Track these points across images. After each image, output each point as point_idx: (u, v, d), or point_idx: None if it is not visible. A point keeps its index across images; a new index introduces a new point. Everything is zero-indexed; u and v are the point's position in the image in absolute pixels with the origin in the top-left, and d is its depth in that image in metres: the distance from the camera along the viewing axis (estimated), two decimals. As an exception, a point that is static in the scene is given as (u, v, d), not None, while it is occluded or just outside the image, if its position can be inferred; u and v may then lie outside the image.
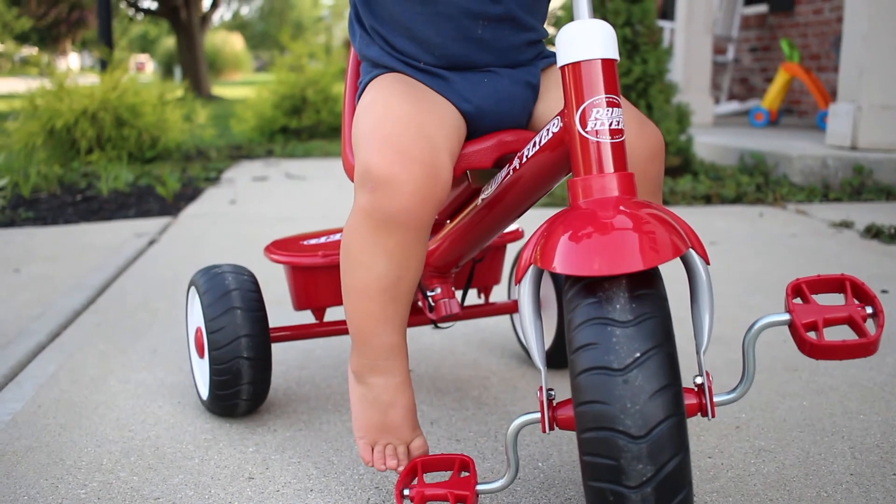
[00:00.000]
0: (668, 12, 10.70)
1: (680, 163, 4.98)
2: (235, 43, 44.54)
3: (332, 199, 4.76)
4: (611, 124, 1.25)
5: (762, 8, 9.85)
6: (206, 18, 19.79)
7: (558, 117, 1.32)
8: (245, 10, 63.86)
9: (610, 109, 1.25)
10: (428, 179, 1.36)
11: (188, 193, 5.04)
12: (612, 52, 1.27)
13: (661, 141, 1.52)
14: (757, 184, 4.87)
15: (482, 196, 1.56)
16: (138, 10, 21.03)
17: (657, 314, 1.14)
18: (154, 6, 20.26)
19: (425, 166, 1.36)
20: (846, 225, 3.91)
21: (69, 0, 37.17)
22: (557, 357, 2.01)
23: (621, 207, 1.21)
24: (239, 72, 43.64)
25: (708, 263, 1.21)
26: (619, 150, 1.25)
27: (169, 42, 36.80)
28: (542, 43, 1.65)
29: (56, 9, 38.35)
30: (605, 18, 4.78)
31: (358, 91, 1.63)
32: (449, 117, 1.51)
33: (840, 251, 3.43)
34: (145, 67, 76.33)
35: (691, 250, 1.20)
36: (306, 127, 7.90)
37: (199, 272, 1.85)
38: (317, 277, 1.89)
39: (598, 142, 1.24)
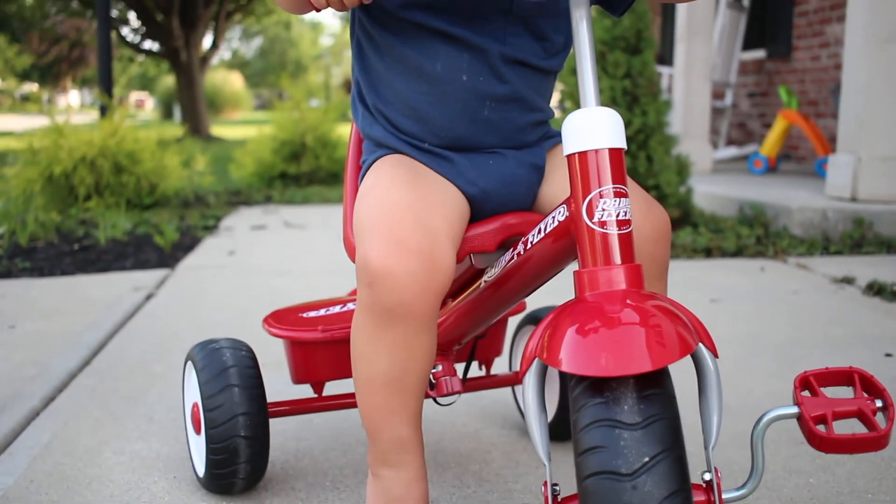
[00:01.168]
0: (665, 58, 10.76)
1: (680, 215, 4.97)
2: (235, 82, 44.74)
3: (330, 250, 4.73)
4: (618, 215, 1.23)
5: (760, 53, 9.90)
6: (205, 59, 19.87)
7: (564, 206, 1.30)
8: (244, 48, 64.31)
9: (617, 200, 1.23)
10: (426, 271, 1.34)
11: (186, 243, 5.02)
12: (620, 140, 1.25)
13: (668, 223, 1.50)
14: (757, 236, 4.85)
15: (485, 277, 1.53)
16: (139, 51, 21.11)
17: (666, 415, 1.11)
18: (155, 47, 20.34)
19: (423, 257, 1.34)
20: (848, 281, 3.89)
21: (70, 38, 37.41)
22: (560, 429, 1.98)
23: (628, 301, 1.19)
24: (238, 110, 43.82)
25: (717, 357, 1.19)
26: (626, 242, 1.23)
27: (169, 80, 36.98)
28: (548, 123, 1.64)
29: (57, 47, 38.57)
30: (605, 70, 4.79)
31: (361, 171, 1.61)
32: (452, 200, 1.49)
33: (842, 310, 3.40)
34: (145, 105, 76.70)
35: (700, 345, 1.18)
36: (305, 173, 7.89)
37: (196, 347, 1.83)
38: (316, 352, 1.86)
39: (604, 233, 1.22)
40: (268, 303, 3.50)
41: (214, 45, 20.81)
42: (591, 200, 1.23)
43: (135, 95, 74.52)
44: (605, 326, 1.17)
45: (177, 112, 36.96)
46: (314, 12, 1.38)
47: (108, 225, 5.35)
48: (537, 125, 1.60)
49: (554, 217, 1.33)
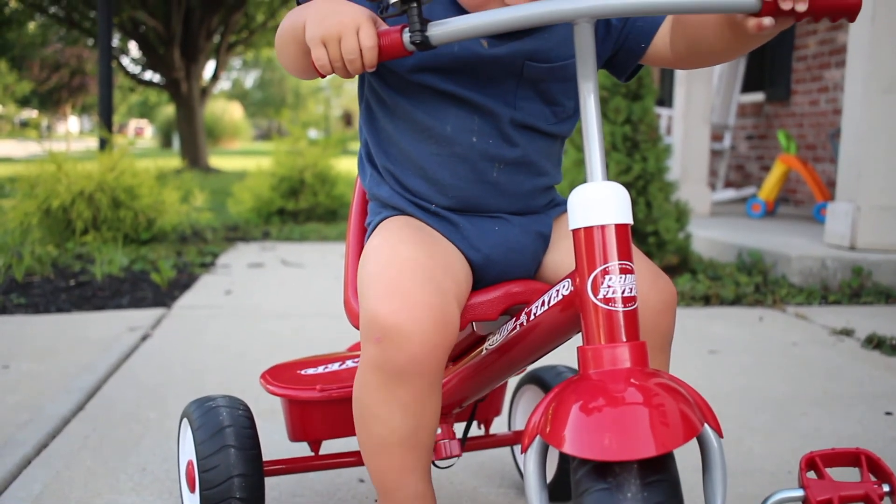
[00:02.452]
0: (665, 99, 10.80)
1: (678, 261, 4.96)
2: (235, 112, 44.88)
3: (327, 291, 4.72)
4: (623, 292, 1.22)
5: (759, 96, 9.94)
6: (206, 91, 19.92)
7: (569, 280, 1.29)
8: (243, 76, 64.55)
9: (623, 276, 1.22)
10: (437, 327, 1.33)
11: (183, 281, 5.00)
12: (626, 216, 1.24)
13: (674, 294, 1.49)
14: (756, 283, 4.84)
15: (487, 344, 1.52)
16: (140, 82, 21.17)
17: (670, 502, 1.09)
18: (156, 78, 20.40)
19: (434, 313, 1.33)
20: (847, 333, 3.87)
21: (71, 66, 37.56)
22: (560, 490, 1.96)
23: (633, 381, 1.18)
24: (237, 140, 43.92)
25: (721, 437, 1.18)
26: (631, 319, 1.22)
27: (169, 108, 37.11)
28: (555, 189, 1.64)
29: (58, 74, 38.74)
30: (606, 116, 4.80)
31: (366, 233, 1.60)
32: (457, 264, 1.48)
33: (842, 364, 3.39)
34: (144, 133, 76.90)
35: (706, 425, 1.16)
36: (303, 209, 7.89)
37: (193, 404, 1.81)
38: (314, 411, 1.84)
39: (609, 310, 1.21)
40: (264, 347, 3.49)
41: (215, 77, 20.87)
42: (596, 276, 1.22)
43: (134, 123, 74.76)
44: (609, 406, 1.15)
45: (176, 141, 37.08)
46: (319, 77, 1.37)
47: (104, 260, 5.33)
48: (545, 190, 1.61)
49: (558, 290, 1.32)
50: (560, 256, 1.56)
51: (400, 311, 1.32)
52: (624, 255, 1.22)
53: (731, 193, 9.24)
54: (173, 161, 20.53)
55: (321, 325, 3.89)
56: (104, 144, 6.97)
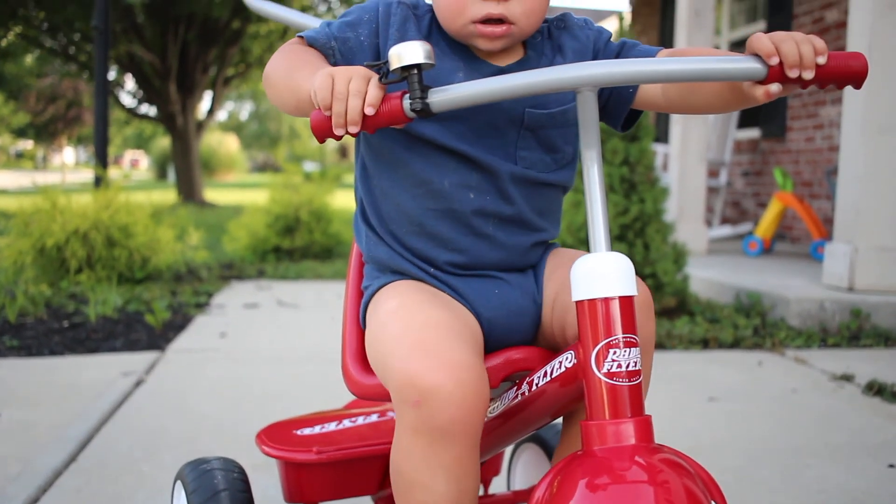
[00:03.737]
0: (660, 135, 10.82)
1: (677, 303, 4.94)
2: (230, 144, 44.98)
3: (323, 334, 4.69)
4: (628, 366, 1.19)
5: (755, 133, 9.96)
6: (201, 125, 19.95)
7: (572, 352, 1.27)
8: (238, 108, 64.78)
9: (627, 350, 1.20)
10: (476, 385, 1.29)
11: (177, 322, 4.96)
12: (630, 288, 1.22)
13: (650, 297, 1.47)
14: (754, 326, 4.82)
15: (489, 412, 1.49)
16: (135, 115, 21.20)
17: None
18: (152, 111, 20.43)
19: (471, 372, 1.29)
20: (847, 378, 3.84)
21: (67, 98, 37.66)
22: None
23: (638, 458, 1.15)
24: (233, 172, 44.00)
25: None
26: (636, 394, 1.19)
27: (164, 140, 37.16)
28: (550, 242, 1.62)
29: (54, 105, 38.83)
30: (603, 157, 4.78)
31: (363, 297, 1.57)
32: (473, 322, 1.47)
33: (842, 412, 3.35)
34: (139, 164, 77.03)
35: (712, 502, 1.14)
36: (299, 247, 7.86)
37: (187, 467, 1.77)
38: (311, 473, 1.80)
39: (614, 384, 1.19)
40: (259, 395, 3.46)
41: (211, 112, 20.91)
42: (600, 350, 1.20)
43: (130, 154, 74.91)
44: (614, 484, 1.14)
45: (171, 173, 37.14)
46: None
47: (98, 301, 5.29)
48: (541, 244, 1.59)
49: (561, 362, 1.29)
50: (555, 287, 1.54)
51: (438, 371, 1.27)
52: (628, 327, 1.20)
53: (727, 230, 9.24)
54: (169, 194, 20.55)
55: (317, 371, 3.86)
56: (99, 182, 6.95)
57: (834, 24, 8.49)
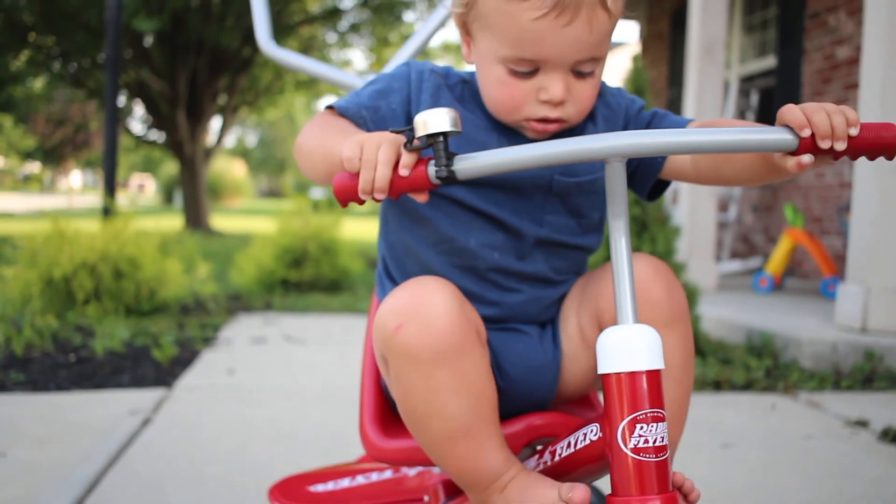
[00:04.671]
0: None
1: (688, 343, 4.89)
2: (237, 170, 45.11)
3: (331, 372, 4.65)
4: (654, 441, 1.16)
5: (764, 168, 9.92)
6: (209, 152, 19.99)
7: (597, 425, 1.24)
8: (245, 133, 65.04)
9: (654, 425, 1.17)
10: (456, 301, 1.33)
11: (185, 357, 4.93)
12: (658, 361, 1.19)
13: (664, 265, 1.49)
14: (766, 367, 4.77)
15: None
16: (144, 142, 21.27)
17: None
18: (160, 138, 20.49)
19: (449, 290, 1.35)
20: (861, 424, 3.80)
21: (75, 122, 37.84)
22: None
23: (665, 540, 1.12)
24: (240, 198, 44.10)
25: None
26: (662, 470, 1.16)
27: (171, 165, 37.29)
28: None
29: (62, 129, 39.01)
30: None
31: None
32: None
33: (858, 460, 3.31)
34: (146, 188, 77.30)
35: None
36: (306, 280, 7.84)
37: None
38: (323, 532, 1.77)
39: (640, 460, 1.16)
40: (268, 436, 3.42)
41: (219, 139, 20.97)
42: (626, 426, 1.17)
43: (137, 178, 75.22)
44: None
45: (178, 198, 37.27)
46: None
47: (105, 334, 5.26)
48: (561, 299, 1.58)
49: (585, 434, 1.27)
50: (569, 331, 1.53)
51: (414, 295, 1.32)
52: (655, 402, 1.17)
53: (737, 265, 9.21)
54: (175, 220, 20.58)
55: (325, 412, 3.82)
56: (108, 212, 6.94)
57: (845, 60, 8.49)
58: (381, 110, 1.48)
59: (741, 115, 9.64)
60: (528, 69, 1.40)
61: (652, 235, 4.72)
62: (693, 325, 4.92)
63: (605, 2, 1.36)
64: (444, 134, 1.19)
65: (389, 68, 1.91)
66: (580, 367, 1.50)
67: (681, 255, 6.13)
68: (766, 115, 9.79)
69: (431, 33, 2.05)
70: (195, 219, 18.60)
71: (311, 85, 20.79)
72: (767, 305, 6.51)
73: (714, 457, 3.31)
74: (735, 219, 9.65)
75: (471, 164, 1.21)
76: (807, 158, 1.21)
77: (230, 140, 61.18)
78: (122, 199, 6.86)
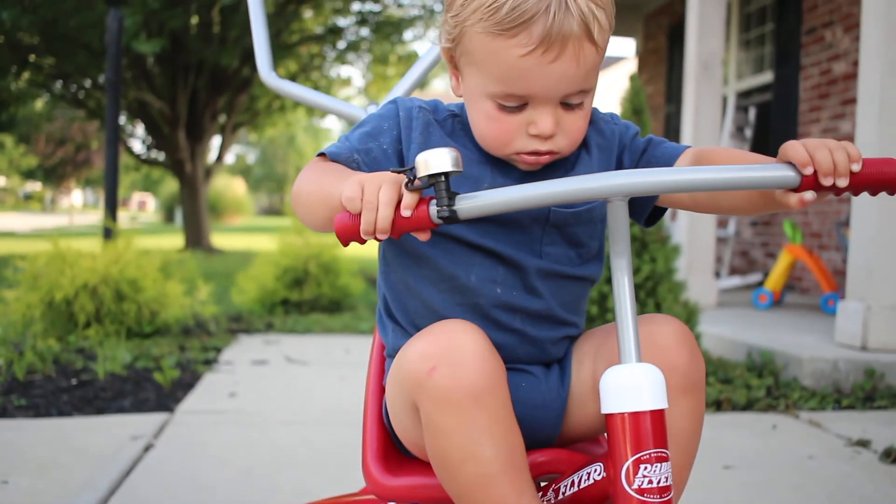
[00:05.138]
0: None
1: (689, 363, 4.89)
2: (237, 187, 45.15)
3: (332, 394, 4.66)
4: (659, 482, 1.17)
5: (762, 184, 9.94)
6: (210, 171, 20.01)
7: (601, 464, 1.24)
8: (245, 151, 65.15)
9: (658, 465, 1.17)
10: (486, 342, 1.35)
11: (186, 380, 4.93)
12: (661, 401, 1.20)
13: (686, 329, 1.49)
14: (767, 386, 4.77)
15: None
16: (144, 161, 21.29)
17: None
18: (160, 157, 20.51)
19: (478, 332, 1.36)
20: (863, 444, 3.80)
21: (76, 141, 37.91)
22: None
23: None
24: (240, 215, 44.12)
25: None
26: (666, 509, 1.17)
27: (172, 183, 37.32)
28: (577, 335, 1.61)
29: (63, 149, 39.09)
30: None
31: (385, 392, 1.56)
32: None
33: (861, 482, 3.31)
34: (147, 206, 77.30)
35: None
36: (307, 300, 7.84)
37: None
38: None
39: (644, 501, 1.16)
40: (271, 461, 3.42)
41: (219, 158, 20.99)
42: (630, 466, 1.17)
43: (137, 196, 75.32)
44: None
45: (178, 216, 37.32)
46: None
47: (107, 357, 5.26)
48: (567, 339, 1.58)
49: (589, 474, 1.27)
50: (585, 375, 1.54)
51: (445, 337, 1.34)
52: (659, 442, 1.18)
53: (736, 281, 9.21)
54: (176, 239, 20.58)
55: (328, 435, 3.82)
56: (109, 234, 6.95)
57: (842, 76, 8.52)
58: (373, 152, 1.48)
59: (739, 130, 9.66)
60: (517, 104, 1.41)
61: (651, 255, 4.73)
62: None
63: (592, 35, 1.36)
64: (446, 174, 1.19)
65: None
66: (588, 412, 1.50)
67: (680, 273, 6.12)
68: (764, 131, 9.82)
69: (425, 71, 2.06)
70: (196, 237, 18.61)
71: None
72: (767, 322, 6.52)
73: (716, 478, 3.31)
74: (734, 234, 9.66)
75: (473, 203, 1.21)
76: (809, 195, 1.22)
77: (230, 157, 61.22)
78: (123, 216, 6.85)
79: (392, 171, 1.24)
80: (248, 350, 6.01)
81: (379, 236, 1.22)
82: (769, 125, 9.78)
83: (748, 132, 9.75)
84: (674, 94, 12.05)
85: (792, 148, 1.22)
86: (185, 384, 4.84)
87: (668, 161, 1.53)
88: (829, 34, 8.78)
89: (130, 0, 13.45)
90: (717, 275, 9.64)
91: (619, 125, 1.61)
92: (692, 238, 7.60)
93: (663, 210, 1.60)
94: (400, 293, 1.55)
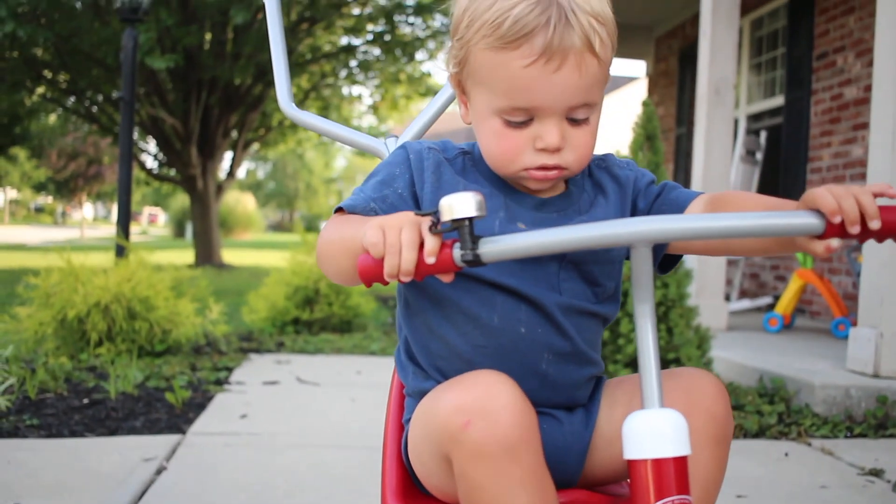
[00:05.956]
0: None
1: (700, 389, 4.88)
2: (247, 203, 45.27)
3: (344, 416, 4.66)
4: (681, 527, 1.17)
5: (773, 207, 9.93)
6: (221, 187, 20.07)
7: (622, 509, 1.25)
8: (255, 166, 65.34)
9: (680, 511, 1.17)
10: (519, 393, 1.35)
11: (197, 400, 4.93)
12: (684, 447, 1.20)
13: (723, 388, 1.51)
14: (779, 413, 4.76)
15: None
16: (156, 177, 21.37)
17: None
18: (171, 173, 20.59)
19: (510, 383, 1.36)
20: (876, 473, 3.79)
21: (88, 155, 38.10)
22: None
23: None
24: (250, 231, 44.24)
25: None
26: (689, 555, 1.17)
27: (182, 197, 37.45)
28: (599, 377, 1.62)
29: (75, 162, 39.29)
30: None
31: (404, 431, 1.56)
32: None
33: (874, 513, 3.30)
34: (157, 220, 77.49)
35: None
36: (318, 319, 7.85)
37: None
38: None
39: (667, 546, 1.16)
40: (283, 485, 3.43)
41: (231, 175, 21.05)
42: (653, 512, 1.17)
43: (148, 210, 75.51)
44: None
45: (189, 230, 37.46)
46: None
47: (119, 376, 5.28)
48: (591, 380, 1.58)
49: (612, 517, 1.27)
50: (612, 425, 1.54)
51: (479, 389, 1.33)
52: (682, 488, 1.18)
53: (746, 304, 9.20)
54: (187, 254, 20.62)
55: (341, 458, 3.82)
56: (122, 251, 6.98)
57: (853, 100, 8.52)
58: (389, 198, 1.50)
59: (749, 154, 9.65)
60: (523, 118, 1.44)
61: (663, 280, 4.73)
62: (705, 369, 4.90)
63: (593, 48, 1.40)
64: (470, 218, 1.20)
65: (399, 143, 1.95)
66: (616, 455, 1.50)
67: (691, 297, 6.12)
68: (774, 155, 9.82)
69: (440, 110, 2.08)
70: (207, 253, 18.65)
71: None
72: (778, 347, 6.51)
73: (729, 508, 3.31)
74: (744, 257, 9.65)
75: (496, 247, 1.22)
76: (836, 243, 1.23)
77: (240, 173, 61.39)
78: (134, 230, 6.89)
79: (415, 214, 1.25)
80: (259, 370, 6.02)
81: (403, 279, 1.23)
82: (780, 149, 9.79)
83: (759, 156, 9.75)
84: (684, 116, 12.07)
85: (821, 197, 1.23)
86: (197, 404, 4.85)
87: (681, 206, 1.55)
88: (841, 59, 8.79)
89: (145, 17, 13.53)
90: (727, 297, 9.62)
91: (635, 171, 1.64)
92: (702, 261, 7.59)
93: (679, 257, 1.62)
94: (422, 336, 1.55)
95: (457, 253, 1.22)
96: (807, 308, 9.26)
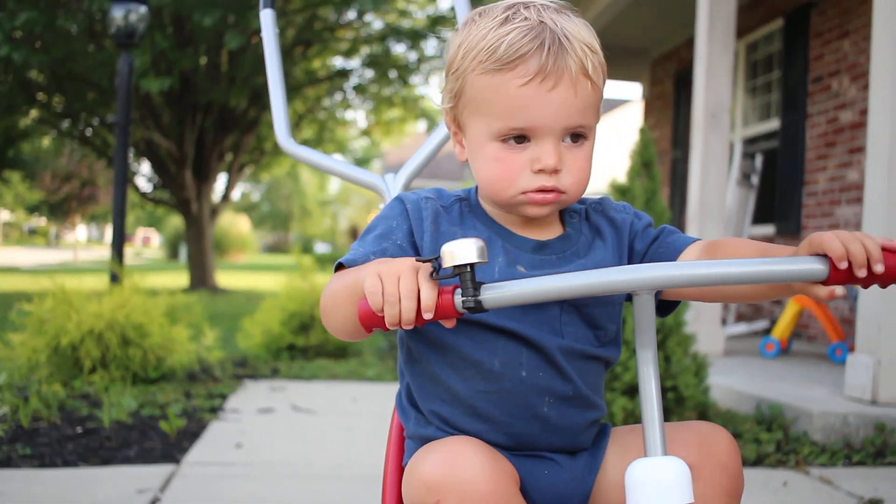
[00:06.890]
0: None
1: (698, 417, 4.86)
2: (242, 225, 45.24)
3: (340, 444, 4.63)
4: (686, 576, 1.15)
5: (769, 230, 9.96)
6: (215, 210, 20.05)
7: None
8: (249, 188, 65.34)
9: (685, 560, 1.15)
10: (488, 458, 1.36)
11: (192, 429, 4.90)
12: (688, 495, 1.18)
13: (736, 454, 1.54)
14: (777, 441, 4.74)
15: None
16: (150, 200, 21.35)
17: None
18: (166, 196, 20.58)
19: (478, 448, 1.38)
20: (875, 503, 3.76)
21: (82, 177, 38.08)
22: None
23: None
24: (245, 253, 44.18)
25: None
26: None
27: (176, 219, 37.43)
28: (602, 421, 1.61)
29: (69, 184, 39.25)
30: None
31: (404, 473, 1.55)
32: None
33: (875, 545, 3.27)
34: (151, 241, 77.41)
35: None
36: (313, 345, 7.81)
37: None
38: None
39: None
40: (278, 519, 3.39)
41: (226, 198, 21.05)
42: (657, 561, 1.15)
43: (142, 232, 75.47)
44: None
45: (183, 252, 37.41)
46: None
47: (112, 404, 5.24)
48: (593, 424, 1.57)
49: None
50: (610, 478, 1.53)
51: (444, 462, 1.33)
52: (687, 535, 1.16)
53: (742, 328, 9.18)
54: (181, 276, 20.58)
55: (337, 490, 3.79)
56: (116, 278, 6.95)
57: (849, 124, 8.54)
58: (389, 251, 1.50)
59: (745, 177, 9.67)
60: (520, 139, 1.45)
61: (661, 308, 4.71)
62: (703, 398, 4.89)
63: (587, 70, 1.43)
64: (472, 264, 1.19)
65: (396, 182, 1.96)
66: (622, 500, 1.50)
67: (688, 325, 6.10)
68: (770, 178, 9.83)
69: (434, 152, 2.07)
70: (201, 277, 18.60)
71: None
72: (776, 372, 6.49)
73: (729, 540, 3.27)
74: (741, 281, 9.63)
75: (498, 293, 1.21)
76: (840, 290, 1.22)
77: (235, 195, 61.41)
78: (128, 252, 6.86)
79: (418, 260, 1.24)
80: (253, 397, 5.98)
81: (404, 327, 1.22)
82: (776, 172, 9.80)
83: (755, 179, 9.76)
84: (680, 140, 12.09)
85: (829, 241, 1.23)
86: (191, 433, 4.82)
87: (677, 250, 1.56)
88: (836, 83, 8.81)
89: (140, 42, 13.55)
90: (724, 321, 9.60)
91: (630, 214, 1.65)
92: (699, 286, 7.57)
93: (677, 302, 1.62)
94: (424, 382, 1.55)
95: (458, 299, 1.21)
96: (803, 332, 9.25)
